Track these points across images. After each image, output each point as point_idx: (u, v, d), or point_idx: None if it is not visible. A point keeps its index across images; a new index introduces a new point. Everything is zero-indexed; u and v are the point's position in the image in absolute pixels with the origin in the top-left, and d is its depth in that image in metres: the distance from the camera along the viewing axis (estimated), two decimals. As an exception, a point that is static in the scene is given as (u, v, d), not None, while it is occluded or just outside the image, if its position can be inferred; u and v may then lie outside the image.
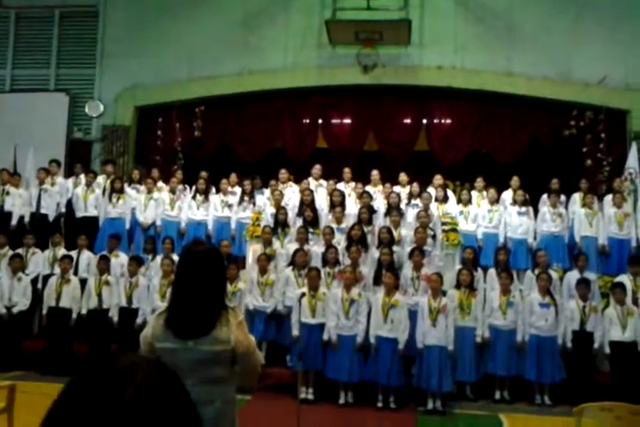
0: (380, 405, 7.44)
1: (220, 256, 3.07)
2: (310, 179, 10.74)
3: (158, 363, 1.00)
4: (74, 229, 10.11)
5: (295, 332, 7.55)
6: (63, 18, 13.07)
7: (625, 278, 8.53)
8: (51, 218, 10.48)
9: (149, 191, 10.48)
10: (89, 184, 10.47)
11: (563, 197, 10.16)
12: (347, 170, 10.84)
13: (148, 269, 9.10)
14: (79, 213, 10.34)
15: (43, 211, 10.43)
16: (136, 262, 8.85)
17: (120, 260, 9.28)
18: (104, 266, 8.85)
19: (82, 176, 10.75)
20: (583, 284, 8.15)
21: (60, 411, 0.89)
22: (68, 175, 11.27)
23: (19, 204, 10.37)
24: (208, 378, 2.80)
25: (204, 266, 2.88)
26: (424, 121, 12.30)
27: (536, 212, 9.96)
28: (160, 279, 8.44)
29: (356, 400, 7.56)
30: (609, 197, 9.98)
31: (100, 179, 10.87)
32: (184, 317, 2.83)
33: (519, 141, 11.85)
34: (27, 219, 10.39)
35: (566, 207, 10.02)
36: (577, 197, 10.13)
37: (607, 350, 7.83)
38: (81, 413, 0.86)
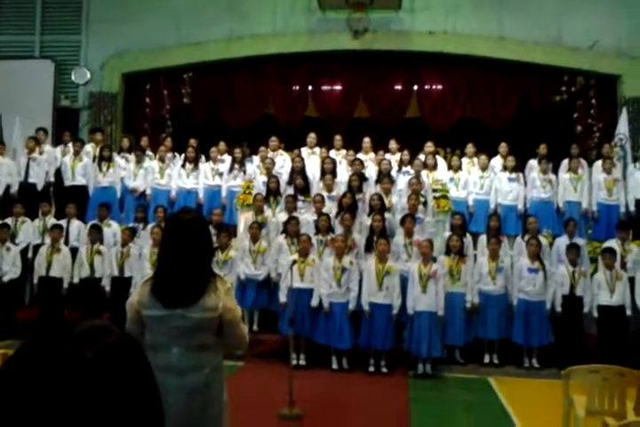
0: (371, 369, 7.56)
1: (207, 224, 3.08)
2: (304, 147, 10.66)
3: (125, 332, 0.99)
4: (63, 198, 10.04)
5: (283, 298, 7.62)
6: (47, -18, 12.77)
7: (614, 244, 8.61)
8: (39, 187, 10.37)
9: (139, 161, 10.39)
10: (76, 153, 10.35)
11: (550, 164, 10.15)
12: (337, 137, 10.77)
13: (138, 237, 9.09)
14: (67, 182, 10.24)
15: (31, 180, 10.31)
16: (129, 232, 8.83)
17: (112, 229, 9.27)
18: (95, 235, 8.83)
19: (70, 145, 10.63)
20: (573, 249, 8.22)
21: (14, 368, 0.88)
22: (56, 144, 11.14)
23: (5, 173, 10.25)
24: (196, 345, 2.82)
25: (190, 234, 2.87)
26: (415, 87, 12.20)
27: (525, 177, 9.96)
28: (150, 248, 8.43)
29: (348, 365, 7.66)
30: (598, 163, 9.99)
31: (89, 147, 10.76)
32: (172, 285, 2.83)
33: (510, 107, 11.80)
34: (15, 188, 10.28)
35: (556, 173, 10.02)
36: (566, 163, 10.12)
37: (595, 313, 7.95)
38: (35, 371, 0.86)
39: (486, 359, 8.01)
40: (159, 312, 2.82)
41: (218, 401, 2.92)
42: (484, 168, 10.06)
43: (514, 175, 9.82)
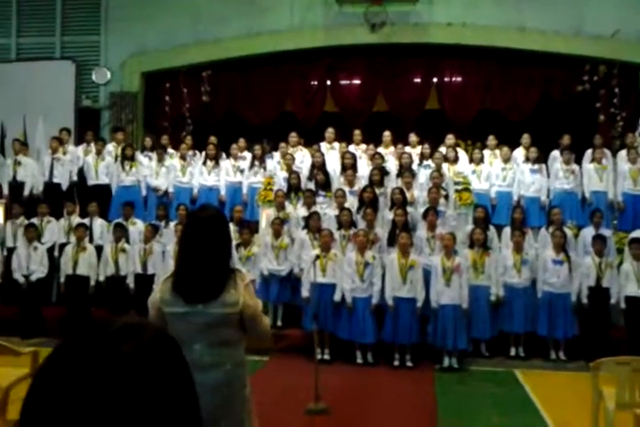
0: (396, 363, 7.55)
1: (226, 221, 3.09)
2: (323, 143, 10.66)
3: (161, 328, 1.01)
4: (86, 197, 10.14)
5: (305, 293, 7.63)
6: (66, -17, 12.86)
7: (640, 234, 8.50)
8: (64, 187, 10.49)
9: (160, 159, 10.45)
10: (99, 152, 10.45)
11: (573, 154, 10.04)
12: (357, 132, 10.74)
13: (161, 235, 9.15)
14: (91, 182, 10.35)
15: (56, 180, 10.43)
16: (152, 229, 8.90)
17: (137, 227, 9.35)
18: (120, 233, 8.91)
19: (92, 144, 10.72)
20: (599, 240, 8.14)
21: (53, 365, 0.89)
22: (77, 144, 11.23)
23: (30, 173, 10.38)
24: (218, 341, 2.84)
25: (209, 231, 2.89)
26: (434, 79, 12.12)
27: (548, 169, 9.86)
28: (174, 245, 8.47)
29: (373, 360, 7.66)
30: (623, 153, 9.86)
31: (111, 146, 10.85)
32: (192, 281, 2.85)
33: (531, 98, 11.67)
34: (40, 188, 10.41)
35: (579, 163, 9.91)
36: (590, 153, 10.00)
37: (623, 305, 7.86)
38: (74, 367, 0.87)
39: (512, 352, 7.95)
40: (180, 309, 2.83)
41: (240, 397, 2.93)
42: (506, 160, 9.98)
43: (536, 167, 9.73)
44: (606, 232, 8.57)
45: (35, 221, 9.46)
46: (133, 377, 0.88)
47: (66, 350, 0.90)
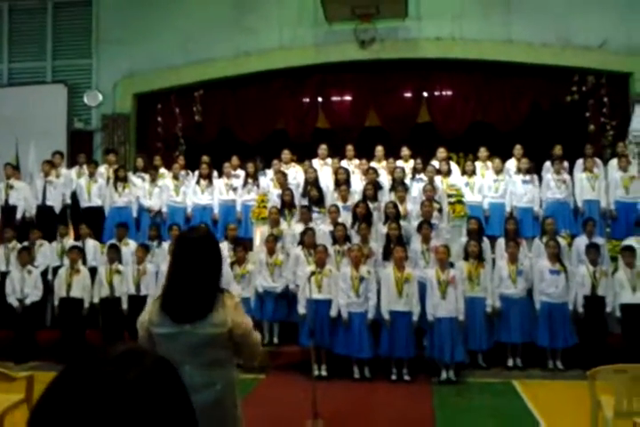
0: (394, 378, 7.49)
1: (215, 242, 3.07)
2: (316, 159, 10.70)
3: (158, 354, 1.01)
4: (80, 219, 10.13)
5: (302, 310, 7.58)
6: (57, 8, 13.02)
7: (633, 241, 8.50)
8: (57, 210, 10.50)
9: (153, 179, 10.47)
10: (91, 174, 10.47)
11: (566, 164, 10.08)
12: (349, 147, 10.79)
13: (154, 255, 9.13)
14: (83, 204, 10.36)
15: (49, 203, 10.45)
16: (143, 249, 8.88)
17: (130, 248, 9.32)
18: (114, 255, 8.88)
19: (85, 166, 10.75)
20: (593, 249, 8.13)
21: (55, 394, 0.88)
22: (70, 166, 11.27)
23: (22, 197, 10.40)
24: (207, 361, 2.82)
25: (198, 252, 2.89)
26: (425, 94, 12.21)
27: (541, 179, 9.89)
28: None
29: (370, 374, 7.61)
30: (614, 162, 9.91)
31: (102, 169, 10.87)
32: (179, 302, 2.84)
33: (521, 109, 11.75)
34: (32, 211, 10.42)
35: (571, 173, 9.95)
36: (581, 162, 10.04)
37: (618, 313, 7.83)
38: (79, 396, 0.86)
39: (510, 363, 7.91)
40: (169, 329, 2.82)
41: (231, 417, 2.91)
42: (497, 171, 10.01)
43: (528, 177, 9.76)
44: (599, 241, 8.56)
45: (27, 244, 9.44)
46: (138, 404, 0.87)
47: (69, 378, 0.89)
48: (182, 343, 2.79)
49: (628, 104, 11.32)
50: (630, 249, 8.06)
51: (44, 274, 9.27)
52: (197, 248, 2.90)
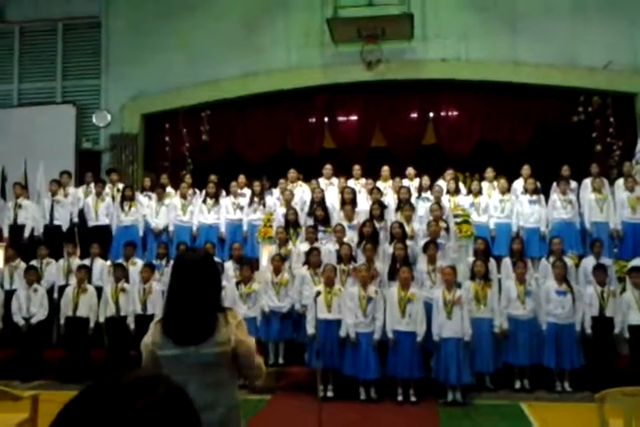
0: (400, 399, 7.43)
1: (213, 262, 3.08)
2: (321, 178, 10.73)
3: (175, 383, 0.99)
4: (87, 238, 10.16)
5: (311, 330, 7.51)
6: (66, 30, 13.18)
7: (640, 262, 8.46)
8: (64, 228, 10.54)
9: (160, 198, 10.51)
10: (98, 193, 10.53)
11: (574, 184, 10.08)
12: (356, 167, 10.82)
13: (162, 274, 9.13)
14: (91, 223, 10.41)
15: (56, 222, 10.50)
16: (149, 268, 8.88)
17: (137, 267, 9.31)
18: (120, 274, 8.88)
19: (92, 185, 10.81)
20: (600, 269, 8.09)
21: (67, 419, 0.88)
22: (78, 185, 11.33)
23: (30, 216, 10.46)
24: (212, 382, 2.80)
25: (196, 273, 2.88)
26: (431, 114, 12.25)
27: (548, 199, 9.88)
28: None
29: (376, 395, 7.55)
30: (620, 182, 9.90)
31: (107, 188, 10.93)
32: (181, 323, 2.84)
33: (527, 130, 11.77)
34: (40, 230, 10.46)
35: (578, 193, 9.93)
36: (588, 182, 10.04)
37: (627, 334, 7.77)
38: (87, 423, 0.86)
39: (517, 385, 7.82)
40: (172, 351, 2.81)
41: None
42: (503, 191, 10.00)
43: (535, 197, 9.75)
44: (607, 261, 8.53)
45: (34, 263, 9.47)
46: None
47: (79, 405, 0.89)
48: (187, 364, 2.78)
49: (634, 124, 11.34)
50: (638, 270, 8.01)
51: (49, 292, 9.29)
52: (195, 270, 2.89)
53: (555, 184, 10.05)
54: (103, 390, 0.90)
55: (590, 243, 8.98)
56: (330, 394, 7.54)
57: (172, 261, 9.06)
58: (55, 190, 10.61)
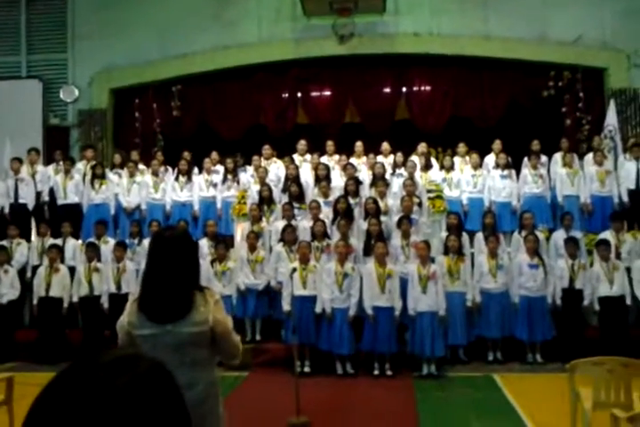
0: (376, 373, 7.54)
1: (191, 240, 3.06)
2: (295, 155, 10.67)
3: (157, 360, 0.99)
4: (57, 217, 10.01)
5: (287, 307, 7.57)
6: (30, 2, 12.77)
7: (608, 235, 8.64)
8: (30, 207, 10.34)
9: (131, 175, 10.38)
10: (67, 171, 10.33)
11: (544, 158, 10.18)
12: (330, 143, 10.77)
13: (135, 253, 9.07)
14: (60, 201, 10.22)
15: (21, 201, 10.27)
16: (121, 247, 8.81)
17: (109, 246, 9.21)
18: (92, 253, 8.79)
19: (62, 163, 10.61)
20: (571, 242, 8.24)
21: (45, 403, 0.88)
22: (47, 163, 11.13)
23: (-2, 195, 10.25)
24: (189, 361, 2.80)
25: (173, 251, 2.86)
26: (403, 89, 12.23)
27: (520, 174, 9.98)
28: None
29: (353, 370, 7.65)
30: (590, 156, 10.03)
31: (80, 165, 10.75)
32: (158, 302, 2.82)
33: (499, 105, 11.82)
34: (6, 210, 10.26)
35: (548, 168, 10.05)
36: (558, 157, 10.15)
37: (597, 306, 7.96)
38: (68, 402, 0.86)
39: (490, 357, 8.00)
40: (149, 330, 2.80)
41: (215, 416, 2.90)
42: (475, 167, 10.08)
43: (506, 172, 9.84)
44: (577, 234, 8.68)
45: (5, 243, 9.32)
46: (128, 411, 0.86)
47: (58, 387, 0.88)
48: (164, 343, 2.77)
49: (603, 99, 11.45)
50: (605, 243, 8.19)
51: (21, 272, 9.17)
52: (173, 248, 2.87)
53: (525, 159, 10.14)
54: (82, 369, 0.90)
55: (561, 216, 9.12)
56: (307, 369, 7.62)
57: (144, 240, 9.05)
58: (17, 168, 10.34)
